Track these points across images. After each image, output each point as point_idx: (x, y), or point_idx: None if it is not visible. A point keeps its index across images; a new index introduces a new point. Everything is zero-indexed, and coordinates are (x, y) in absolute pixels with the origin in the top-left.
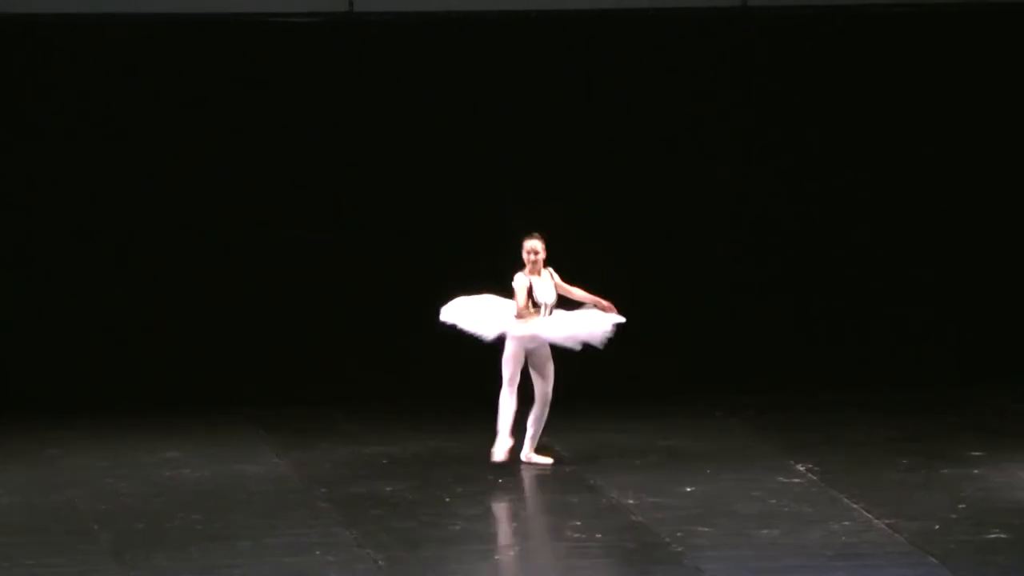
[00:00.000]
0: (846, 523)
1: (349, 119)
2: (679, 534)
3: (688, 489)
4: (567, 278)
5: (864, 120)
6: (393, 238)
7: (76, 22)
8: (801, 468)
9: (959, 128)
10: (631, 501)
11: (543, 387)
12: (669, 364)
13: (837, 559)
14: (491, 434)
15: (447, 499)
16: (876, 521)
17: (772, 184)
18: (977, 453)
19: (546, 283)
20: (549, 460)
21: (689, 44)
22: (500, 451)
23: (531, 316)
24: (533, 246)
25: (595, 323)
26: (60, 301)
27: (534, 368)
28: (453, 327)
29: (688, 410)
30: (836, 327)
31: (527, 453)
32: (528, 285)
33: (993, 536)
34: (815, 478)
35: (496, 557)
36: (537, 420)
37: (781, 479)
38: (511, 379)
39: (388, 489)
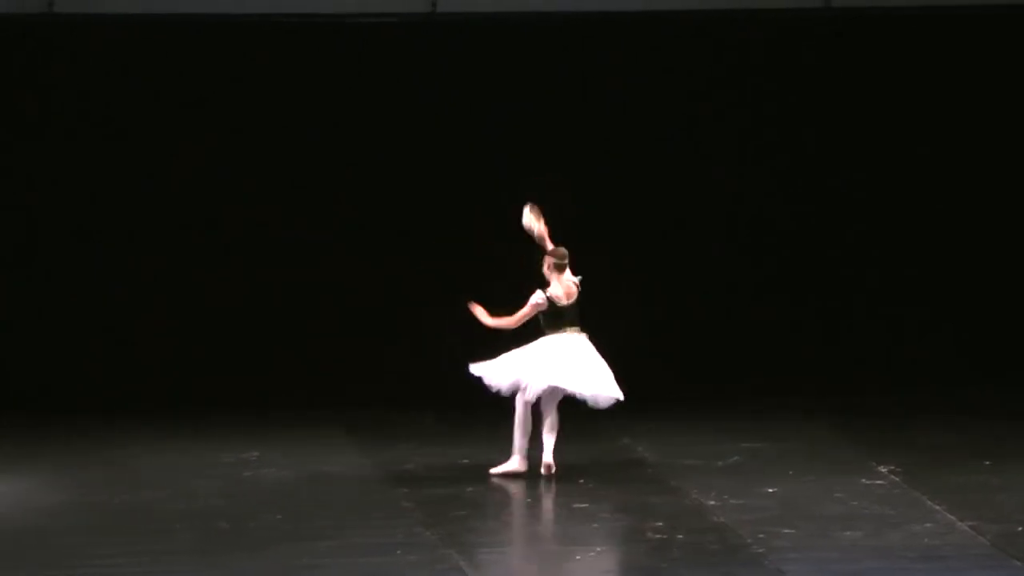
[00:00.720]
0: (928, 525)
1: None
2: (761, 535)
3: (770, 490)
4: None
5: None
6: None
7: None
8: (883, 470)
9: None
10: (713, 502)
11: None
12: (738, 366)
13: (919, 561)
14: (570, 434)
15: (528, 500)
16: (958, 523)
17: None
18: None
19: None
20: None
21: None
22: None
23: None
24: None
25: (605, 388)
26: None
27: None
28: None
29: (766, 412)
30: (899, 326)
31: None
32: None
33: None
34: (897, 480)
35: (577, 558)
36: (554, 428)
37: (863, 481)
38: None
39: (469, 490)
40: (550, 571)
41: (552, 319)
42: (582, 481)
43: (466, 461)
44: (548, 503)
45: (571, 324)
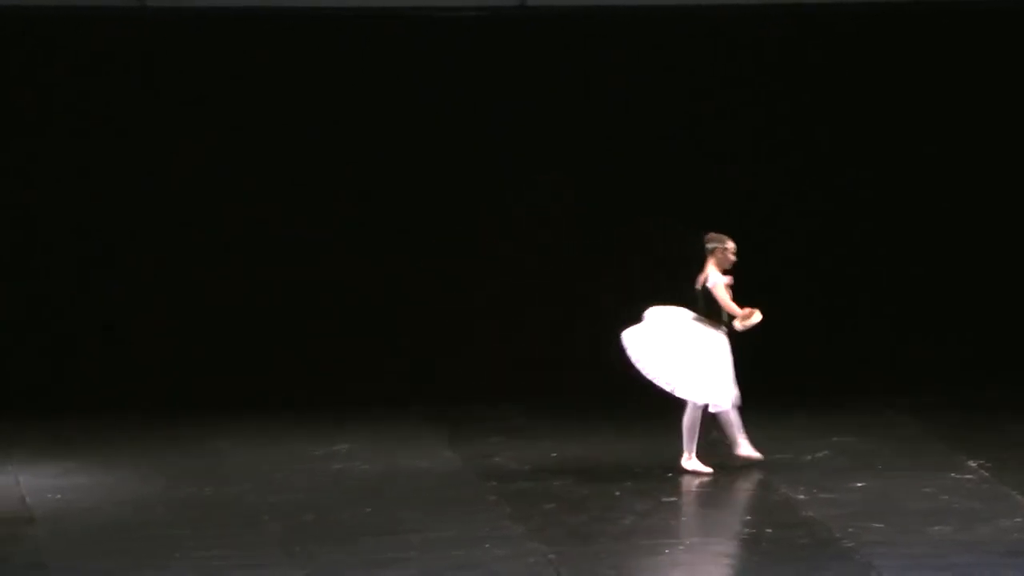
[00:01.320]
0: (1017, 520)
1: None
2: (850, 530)
3: (859, 485)
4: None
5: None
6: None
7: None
8: (972, 464)
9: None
10: (802, 497)
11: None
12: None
13: (1008, 556)
14: (657, 427)
15: (617, 493)
16: None
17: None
18: None
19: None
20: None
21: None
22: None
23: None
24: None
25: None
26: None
27: None
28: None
29: (855, 406)
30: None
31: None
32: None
33: None
34: (986, 474)
35: (666, 551)
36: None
37: (952, 475)
38: None
39: (557, 483)
40: (639, 564)
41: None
42: (669, 475)
43: (554, 455)
44: (636, 497)
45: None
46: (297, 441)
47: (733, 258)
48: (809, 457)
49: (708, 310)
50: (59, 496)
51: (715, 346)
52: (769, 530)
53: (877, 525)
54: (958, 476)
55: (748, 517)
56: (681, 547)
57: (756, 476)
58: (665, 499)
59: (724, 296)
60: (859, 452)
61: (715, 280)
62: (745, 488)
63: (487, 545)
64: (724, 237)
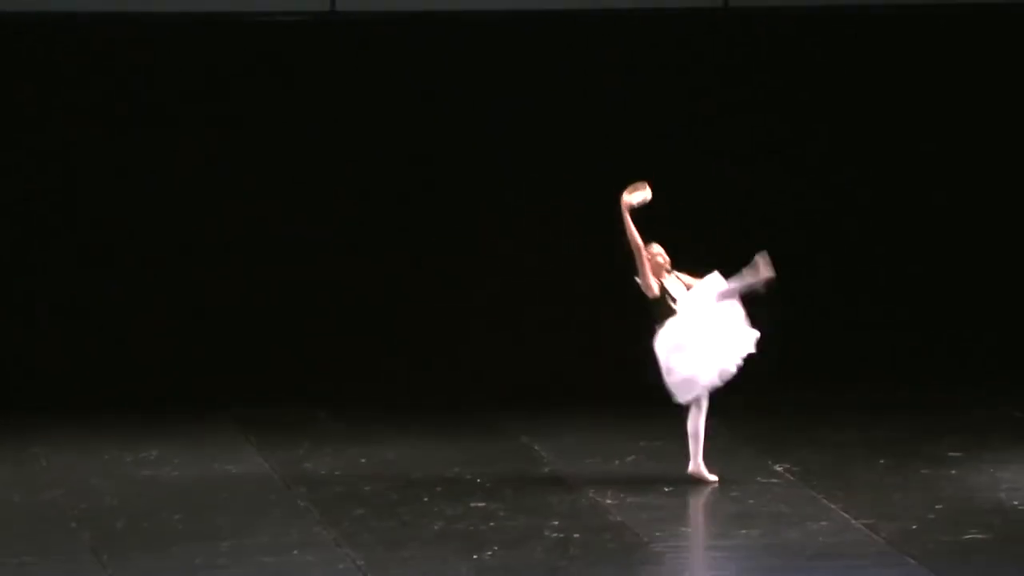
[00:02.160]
0: (824, 523)
1: (348, 115)
2: (658, 534)
3: (667, 489)
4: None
5: (861, 118)
6: (394, 234)
7: (74, 20)
8: (779, 468)
9: (960, 126)
10: (610, 501)
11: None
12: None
13: (815, 559)
14: (468, 431)
15: (426, 498)
16: (854, 522)
17: (773, 182)
18: (956, 453)
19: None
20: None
21: (685, 43)
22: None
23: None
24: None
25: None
26: (55, 298)
27: None
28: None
29: (665, 410)
30: (823, 326)
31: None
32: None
33: (971, 536)
34: (793, 479)
35: (475, 557)
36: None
37: (759, 480)
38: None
39: (367, 489)
40: (448, 570)
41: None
42: (479, 481)
43: (364, 460)
44: (446, 502)
45: None
46: (107, 447)
47: (660, 261)
48: (617, 461)
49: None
50: None
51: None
52: (577, 535)
53: (685, 529)
54: (764, 480)
55: (556, 522)
56: (489, 553)
57: (565, 481)
58: (474, 504)
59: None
60: (667, 456)
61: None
62: (553, 493)
63: (296, 552)
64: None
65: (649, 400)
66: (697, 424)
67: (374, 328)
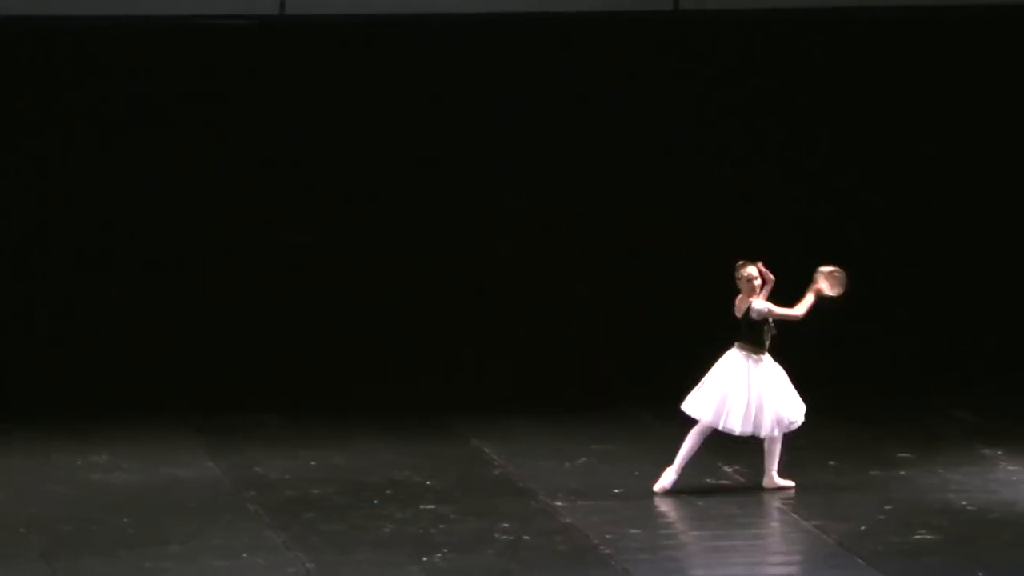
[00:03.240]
0: (774, 524)
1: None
2: (608, 536)
3: (617, 491)
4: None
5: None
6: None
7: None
8: (728, 470)
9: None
10: (560, 504)
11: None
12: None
13: (766, 560)
14: (416, 435)
15: (376, 501)
16: (804, 523)
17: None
18: (905, 455)
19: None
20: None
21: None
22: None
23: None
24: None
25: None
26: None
27: None
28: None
29: (614, 413)
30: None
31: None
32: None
33: (919, 537)
34: (743, 480)
35: (424, 559)
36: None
37: (710, 481)
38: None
39: (316, 492)
40: (397, 572)
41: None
42: (428, 483)
43: (314, 463)
44: (395, 505)
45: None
46: (56, 451)
47: (756, 284)
48: (568, 464)
49: (751, 336)
50: None
51: (766, 374)
52: (527, 537)
53: (635, 531)
54: (715, 482)
55: (507, 524)
56: (439, 556)
57: (516, 484)
58: (425, 507)
59: (781, 312)
60: (618, 459)
61: (758, 307)
62: (504, 496)
63: (246, 555)
64: (742, 265)
65: (600, 403)
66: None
67: (327, 333)
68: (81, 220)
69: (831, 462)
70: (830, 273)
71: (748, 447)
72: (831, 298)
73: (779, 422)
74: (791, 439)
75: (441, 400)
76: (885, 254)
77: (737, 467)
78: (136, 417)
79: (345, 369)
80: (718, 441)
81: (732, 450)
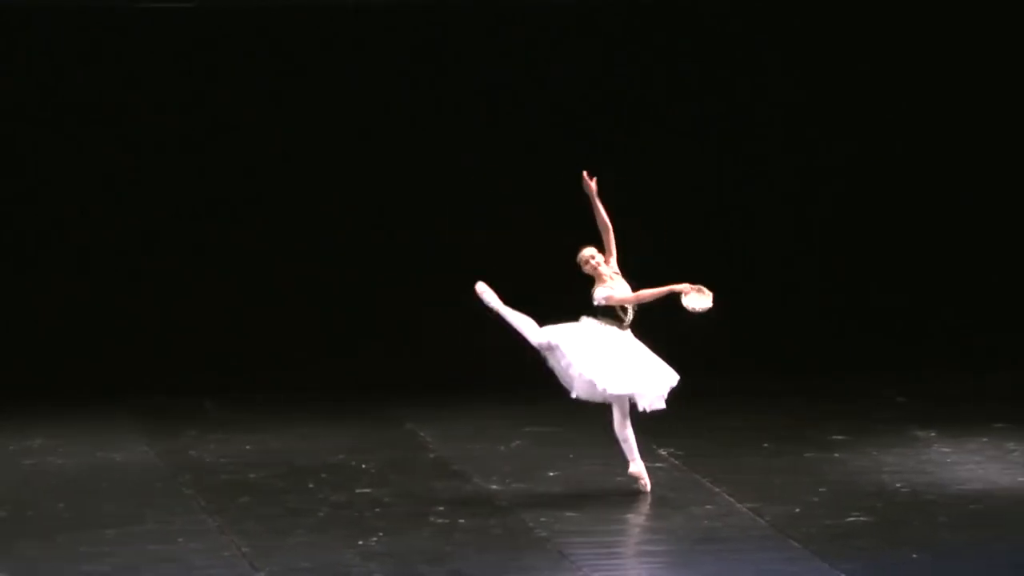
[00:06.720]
0: (708, 507)
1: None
2: (543, 519)
3: (552, 474)
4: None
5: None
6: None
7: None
8: (663, 452)
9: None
10: (495, 487)
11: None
12: None
13: (700, 543)
14: (352, 419)
15: (311, 485)
16: (738, 505)
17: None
18: (840, 437)
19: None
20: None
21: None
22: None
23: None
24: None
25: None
26: None
27: None
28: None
29: (550, 395)
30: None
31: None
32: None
33: (853, 519)
34: (677, 462)
35: (360, 543)
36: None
37: (645, 464)
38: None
39: (252, 476)
40: (332, 557)
41: None
42: (364, 467)
43: (249, 447)
44: (330, 489)
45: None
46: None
47: (590, 265)
48: (503, 447)
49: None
50: None
51: (624, 342)
52: (463, 520)
53: (570, 514)
54: (649, 465)
55: (442, 508)
56: (374, 539)
57: (450, 466)
58: (360, 491)
59: (621, 297)
60: (553, 442)
61: (602, 295)
62: (439, 479)
63: (182, 539)
64: (579, 255)
65: (534, 386)
66: (623, 429)
67: (263, 316)
68: (16, 205)
69: (765, 444)
70: (699, 289)
71: (685, 431)
72: (692, 312)
73: (592, 384)
74: (727, 420)
75: (376, 383)
76: (818, 238)
77: (672, 449)
78: (71, 401)
79: (280, 353)
80: (650, 425)
81: (665, 433)
